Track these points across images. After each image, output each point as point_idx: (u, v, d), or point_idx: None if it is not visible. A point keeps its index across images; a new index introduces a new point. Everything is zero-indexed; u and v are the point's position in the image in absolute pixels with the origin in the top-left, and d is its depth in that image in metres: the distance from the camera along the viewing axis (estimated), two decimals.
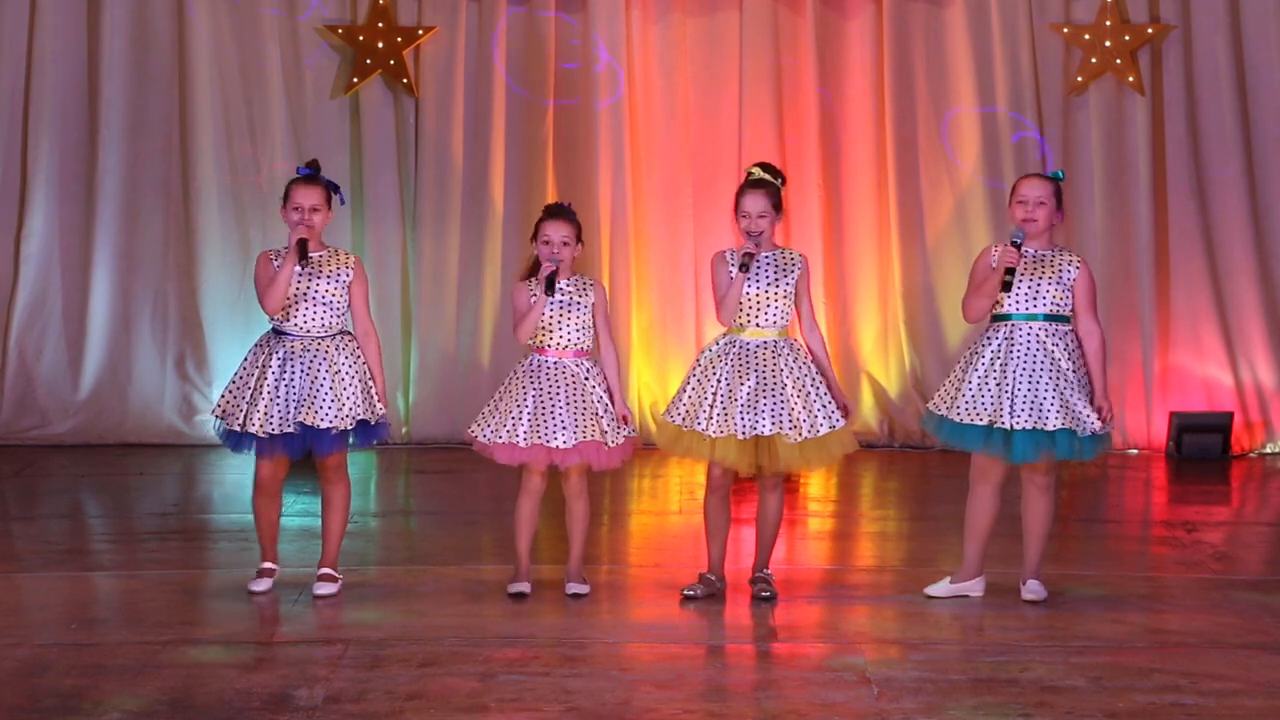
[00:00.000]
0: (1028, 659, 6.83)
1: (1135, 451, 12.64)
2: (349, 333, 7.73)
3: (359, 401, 7.60)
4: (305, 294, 7.57)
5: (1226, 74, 12.67)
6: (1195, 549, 9.20)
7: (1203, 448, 12.40)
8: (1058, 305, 7.46)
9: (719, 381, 7.58)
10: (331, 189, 7.69)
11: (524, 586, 7.73)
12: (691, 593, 7.75)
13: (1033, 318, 7.48)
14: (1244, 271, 12.69)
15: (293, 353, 7.55)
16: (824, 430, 7.56)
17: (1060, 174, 7.82)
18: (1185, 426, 12.44)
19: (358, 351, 7.69)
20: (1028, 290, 7.46)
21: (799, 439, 7.52)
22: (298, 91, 12.86)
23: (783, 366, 7.57)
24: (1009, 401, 7.40)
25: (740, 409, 7.52)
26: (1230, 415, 12.52)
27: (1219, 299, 12.73)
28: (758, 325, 7.63)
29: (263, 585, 7.73)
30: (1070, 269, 7.50)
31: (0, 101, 12.29)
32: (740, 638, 7.21)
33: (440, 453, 12.04)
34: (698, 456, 7.71)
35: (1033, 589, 7.63)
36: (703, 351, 7.80)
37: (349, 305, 7.69)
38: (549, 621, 7.35)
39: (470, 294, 12.86)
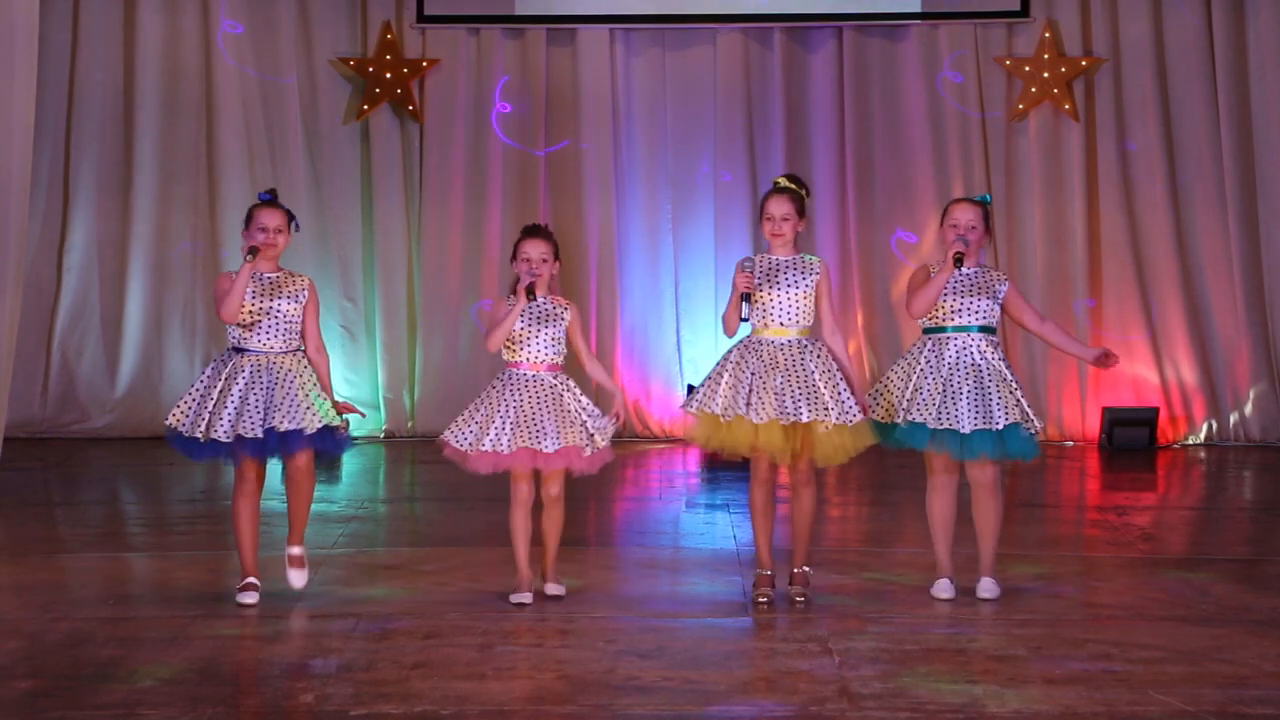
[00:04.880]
0: (975, 631, 6.83)
1: (1071, 443, 12.68)
2: (304, 350, 7.27)
3: (321, 409, 7.13)
4: (266, 313, 7.15)
5: (1152, 102, 12.71)
6: (1125, 531, 9.20)
7: (1131, 439, 12.42)
8: (988, 318, 7.27)
9: (752, 375, 7.15)
10: (289, 215, 7.29)
11: (526, 597, 7.25)
12: (764, 599, 7.30)
13: (965, 329, 7.25)
14: (1168, 280, 12.75)
15: (259, 366, 7.12)
16: (849, 419, 7.10)
17: (988, 198, 7.63)
18: (1116, 420, 12.47)
19: (312, 366, 7.26)
20: (961, 305, 7.26)
21: (832, 425, 7.07)
22: (313, 118, 12.87)
23: (808, 361, 7.16)
24: (931, 401, 7.13)
25: (776, 396, 7.09)
26: (1156, 410, 12.55)
27: (1146, 305, 12.78)
28: (780, 324, 7.22)
29: (250, 598, 7.17)
30: (1001, 285, 7.34)
31: (44, 128, 12.27)
32: (715, 613, 7.19)
33: None
34: (741, 442, 7.16)
35: (984, 587, 7.33)
36: (728, 351, 7.31)
37: (303, 325, 7.24)
38: (541, 597, 7.33)
39: (469, 300, 12.87)
